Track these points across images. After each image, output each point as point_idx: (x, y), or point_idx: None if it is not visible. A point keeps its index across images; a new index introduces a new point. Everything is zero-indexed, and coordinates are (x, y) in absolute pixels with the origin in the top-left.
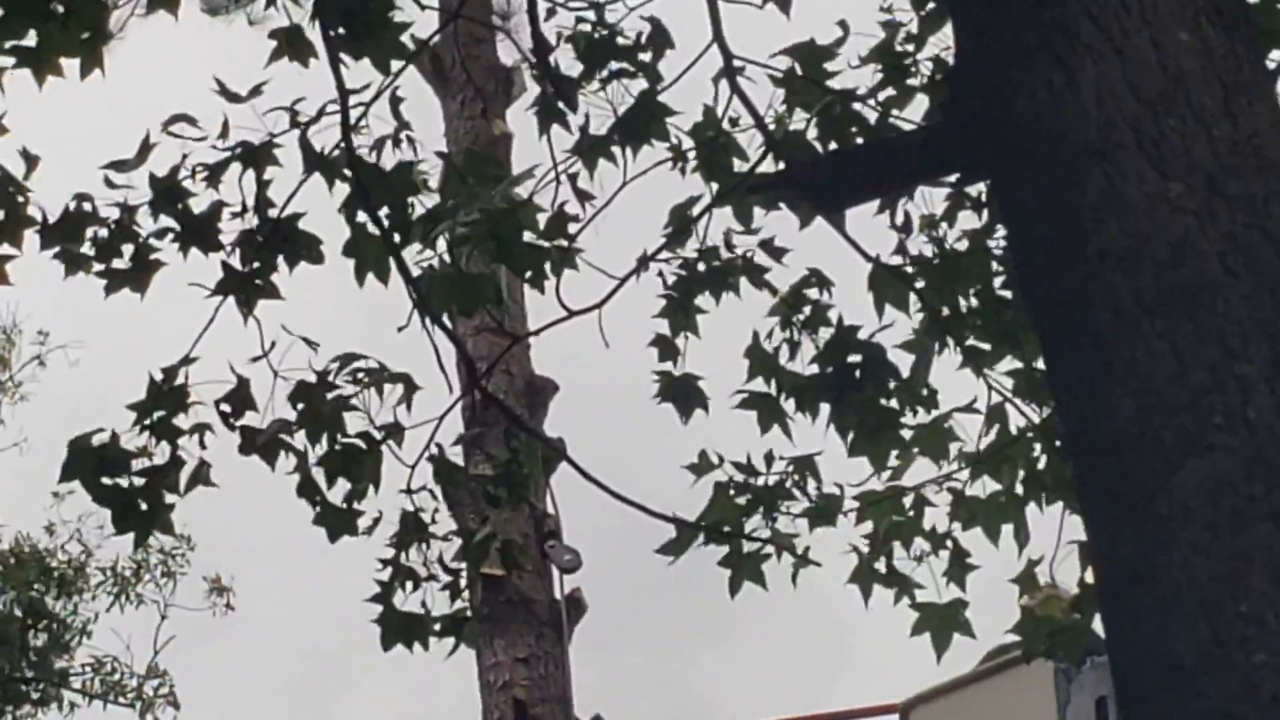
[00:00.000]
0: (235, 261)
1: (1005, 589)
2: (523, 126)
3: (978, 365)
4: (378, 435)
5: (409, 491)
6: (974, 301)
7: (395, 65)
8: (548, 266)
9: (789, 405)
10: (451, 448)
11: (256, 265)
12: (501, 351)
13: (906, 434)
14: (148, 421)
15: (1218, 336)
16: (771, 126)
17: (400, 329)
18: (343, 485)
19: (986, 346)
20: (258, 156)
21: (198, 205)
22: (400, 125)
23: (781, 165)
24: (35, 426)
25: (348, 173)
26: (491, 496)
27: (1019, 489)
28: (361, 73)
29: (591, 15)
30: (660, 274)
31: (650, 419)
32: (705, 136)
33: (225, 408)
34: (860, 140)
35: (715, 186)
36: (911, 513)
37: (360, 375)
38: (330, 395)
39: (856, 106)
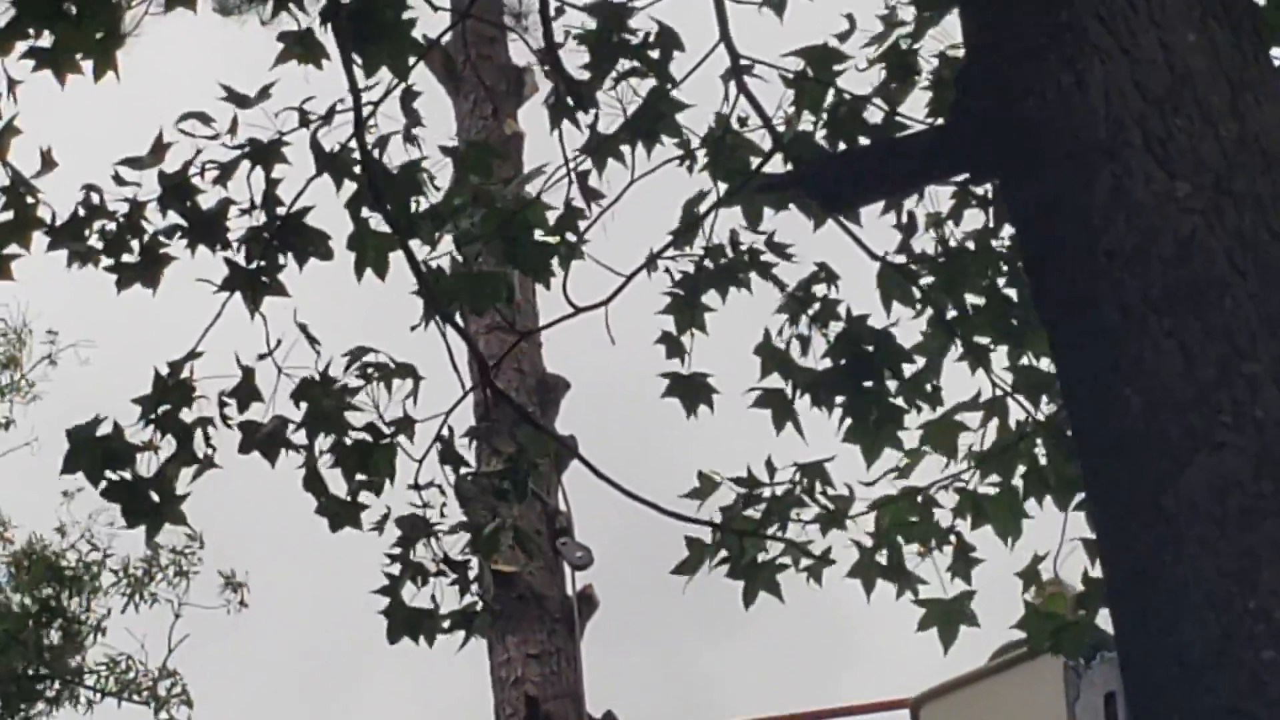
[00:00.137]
0: (242, 259)
1: (1014, 584)
2: (534, 126)
3: (980, 361)
4: (385, 430)
5: (417, 487)
6: (979, 299)
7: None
8: (555, 263)
9: (803, 402)
10: (460, 439)
11: (263, 262)
12: (509, 347)
13: (913, 432)
14: (153, 415)
15: (1225, 334)
16: (781, 127)
17: (413, 328)
18: (344, 482)
19: (989, 343)
20: (267, 155)
21: (206, 202)
22: (411, 121)
23: (789, 164)
24: (46, 426)
25: (357, 170)
26: (498, 490)
27: (1018, 485)
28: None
29: (601, 15)
30: (667, 271)
31: (662, 416)
32: (714, 135)
33: (228, 403)
34: (867, 140)
35: (723, 185)
36: (919, 515)
37: (369, 370)
38: (334, 389)
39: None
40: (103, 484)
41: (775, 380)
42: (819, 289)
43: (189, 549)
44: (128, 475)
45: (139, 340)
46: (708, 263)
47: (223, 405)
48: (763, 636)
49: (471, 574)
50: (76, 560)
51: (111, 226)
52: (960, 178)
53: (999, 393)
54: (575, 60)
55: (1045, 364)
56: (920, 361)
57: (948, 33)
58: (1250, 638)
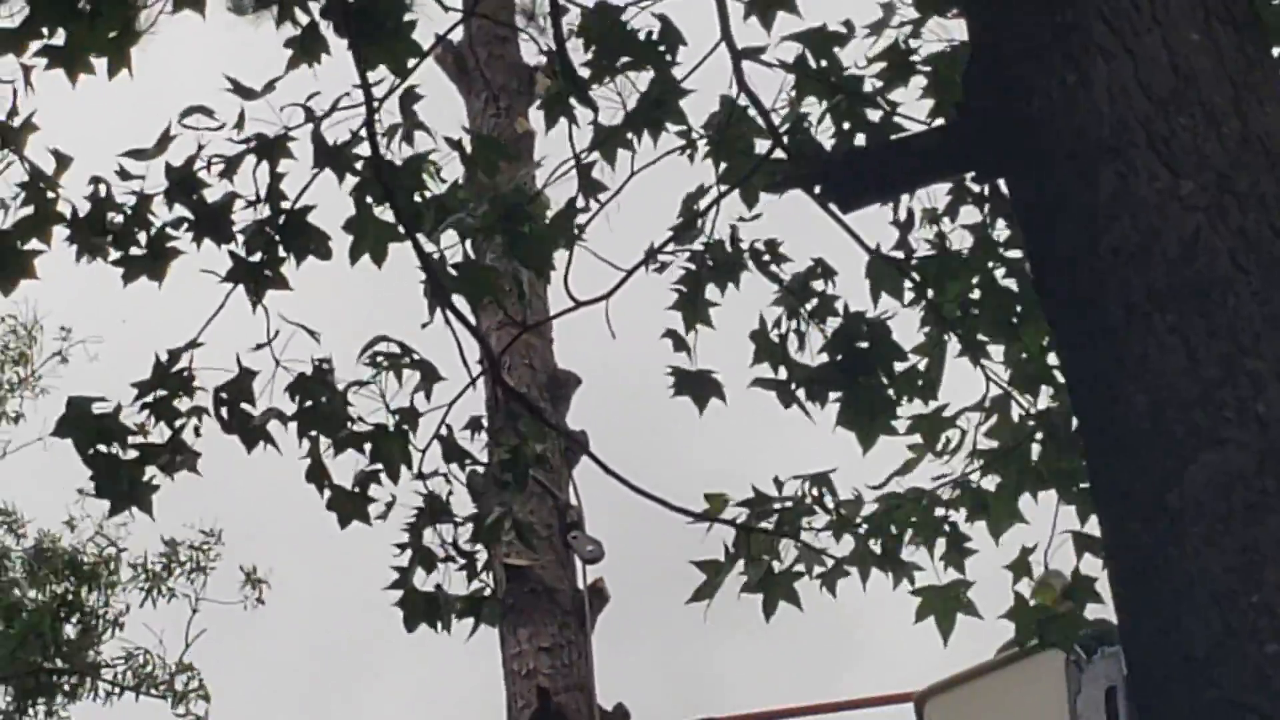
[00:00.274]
0: (244, 252)
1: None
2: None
3: (975, 355)
4: (390, 422)
5: (422, 476)
6: (974, 293)
7: (410, 66)
8: (556, 256)
9: (799, 394)
10: (461, 431)
11: (266, 256)
12: (510, 340)
13: (903, 423)
14: (148, 400)
15: (1228, 332)
16: (784, 110)
17: (424, 325)
18: (350, 471)
19: (986, 338)
20: (272, 149)
21: (212, 196)
22: (411, 123)
23: (790, 159)
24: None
25: (358, 165)
26: (500, 481)
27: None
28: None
29: (604, 13)
30: (664, 267)
31: (671, 410)
32: (715, 123)
33: (222, 396)
34: (868, 137)
35: (730, 186)
36: (924, 515)
37: (380, 359)
38: (334, 386)
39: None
40: (90, 454)
41: (769, 370)
42: (816, 284)
43: (207, 545)
44: (115, 452)
45: (148, 338)
46: (708, 259)
47: (218, 401)
48: (770, 631)
49: (479, 561)
50: (96, 555)
51: (119, 219)
52: (965, 176)
53: (995, 389)
54: (575, 59)
55: (1042, 358)
56: (916, 359)
57: (947, 29)
58: (1254, 632)
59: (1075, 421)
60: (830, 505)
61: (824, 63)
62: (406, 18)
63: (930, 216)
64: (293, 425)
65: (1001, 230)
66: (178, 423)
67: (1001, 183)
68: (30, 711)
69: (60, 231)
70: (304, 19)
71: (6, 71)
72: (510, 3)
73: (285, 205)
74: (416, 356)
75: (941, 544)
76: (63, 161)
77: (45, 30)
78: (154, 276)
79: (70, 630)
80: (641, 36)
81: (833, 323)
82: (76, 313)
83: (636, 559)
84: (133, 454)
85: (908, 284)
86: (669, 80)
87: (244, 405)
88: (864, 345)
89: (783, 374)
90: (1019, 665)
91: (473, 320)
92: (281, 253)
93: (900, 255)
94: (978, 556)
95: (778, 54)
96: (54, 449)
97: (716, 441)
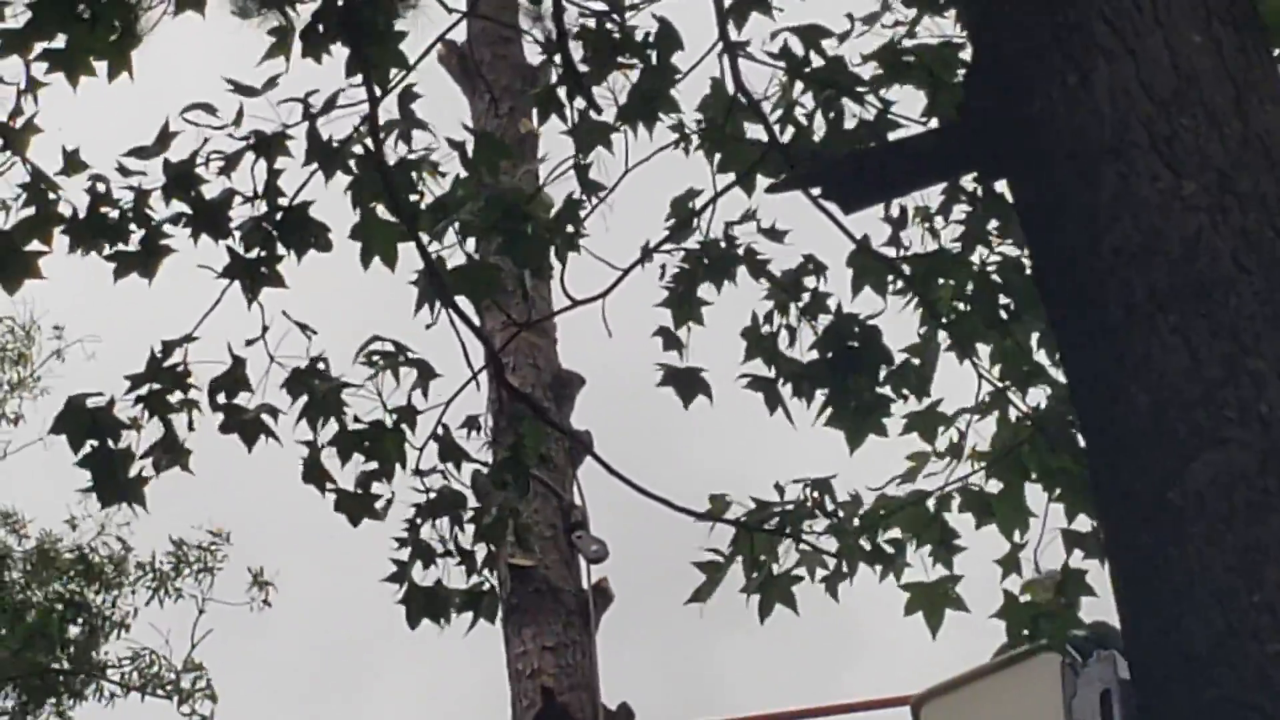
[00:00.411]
0: (242, 248)
1: (1013, 581)
2: (550, 124)
3: (966, 352)
4: (388, 419)
5: (419, 473)
6: (965, 288)
7: (407, 68)
8: (553, 255)
9: (786, 390)
10: (458, 430)
11: (263, 253)
12: (508, 338)
13: (899, 423)
14: (141, 393)
15: (1230, 331)
16: (775, 97)
17: (429, 326)
18: (352, 471)
19: (976, 337)
20: (270, 146)
21: (210, 192)
22: (409, 122)
23: (785, 157)
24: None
25: (352, 163)
26: (497, 480)
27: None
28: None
29: (603, 12)
30: (663, 266)
31: (676, 410)
32: (709, 115)
33: (215, 390)
34: (864, 135)
35: (724, 174)
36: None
37: (375, 358)
38: (330, 381)
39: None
40: (83, 451)
41: (761, 366)
42: (808, 280)
43: (214, 545)
44: (108, 446)
45: (146, 336)
46: (704, 259)
47: (213, 393)
48: (773, 630)
49: (478, 557)
50: (105, 555)
51: (115, 214)
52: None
53: (987, 388)
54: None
55: (1060, 360)
56: (907, 357)
57: (940, 27)
58: (1255, 631)
59: (1076, 421)
60: (830, 509)
61: (812, 53)
62: (403, 24)
63: (923, 214)
64: (290, 420)
65: (995, 228)
66: (170, 417)
67: (998, 183)
68: (37, 712)
69: (60, 233)
70: (304, 16)
71: (9, 73)
72: (514, 4)
73: (283, 202)
74: (412, 354)
75: (933, 540)
76: (75, 165)
77: (46, 34)
78: (145, 273)
79: (76, 631)
80: (640, 37)
81: (824, 320)
82: (75, 312)
83: (640, 559)
84: (124, 448)
85: (900, 281)
86: (662, 72)
87: (239, 399)
88: (854, 345)
89: (773, 372)
90: (1015, 669)
91: (477, 321)
92: (280, 249)
93: (891, 252)
94: (976, 556)
95: (770, 48)
96: (54, 449)
97: (719, 441)
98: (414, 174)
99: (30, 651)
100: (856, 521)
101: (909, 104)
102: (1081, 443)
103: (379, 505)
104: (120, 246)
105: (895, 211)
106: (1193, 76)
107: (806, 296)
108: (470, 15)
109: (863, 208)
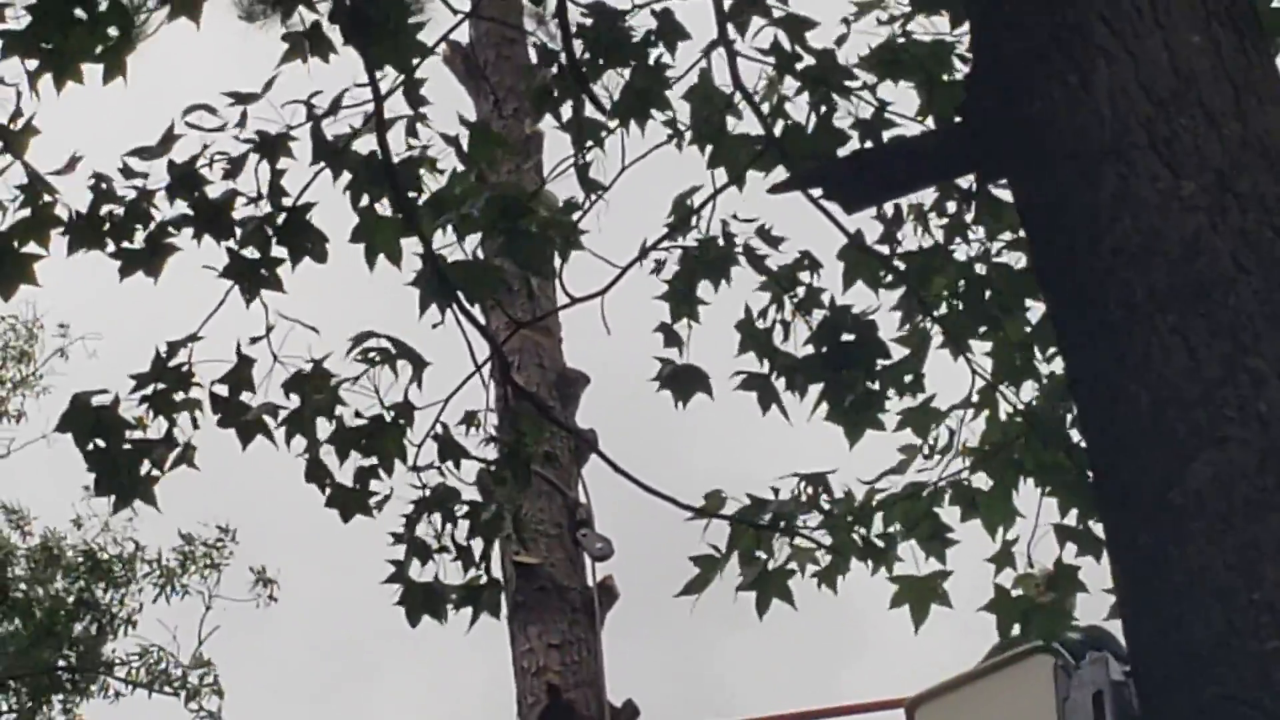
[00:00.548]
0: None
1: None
2: (550, 124)
3: (959, 348)
4: (387, 415)
5: (416, 469)
6: (959, 288)
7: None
8: (556, 255)
9: (779, 384)
10: (458, 426)
11: (263, 255)
12: (507, 335)
13: (893, 418)
14: (146, 392)
15: (1229, 331)
16: (763, 89)
17: (435, 326)
18: (351, 467)
19: (969, 333)
20: (274, 148)
21: (213, 193)
22: (416, 116)
23: (783, 155)
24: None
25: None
26: (497, 476)
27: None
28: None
29: (604, 11)
30: (661, 264)
31: (680, 408)
32: (696, 105)
33: (221, 389)
34: (860, 134)
35: (716, 168)
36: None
37: (371, 354)
38: (330, 381)
39: (852, 100)
40: (89, 450)
41: (755, 361)
42: (803, 275)
43: (221, 542)
44: (114, 447)
45: (148, 334)
46: (698, 255)
47: (214, 393)
48: (777, 628)
49: (476, 553)
50: (112, 552)
51: (119, 212)
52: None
53: (980, 383)
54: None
55: (1024, 352)
56: (902, 351)
57: (935, 26)
58: (1255, 628)
59: (1077, 420)
60: (826, 505)
61: (799, 48)
62: (413, 20)
63: (916, 212)
64: (284, 418)
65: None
66: (175, 416)
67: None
68: (45, 710)
69: (58, 236)
70: (310, 18)
71: (10, 75)
72: (518, 5)
73: (286, 203)
74: (406, 346)
75: (924, 533)
76: (71, 162)
77: (45, 38)
78: (150, 272)
79: (80, 628)
80: (638, 36)
81: (818, 315)
82: (77, 311)
83: (645, 556)
84: (130, 447)
85: (890, 277)
86: (657, 71)
87: (242, 397)
88: (849, 339)
89: (767, 366)
90: (1008, 671)
91: (481, 319)
92: (277, 252)
93: (885, 249)
94: (968, 554)
95: (758, 44)
96: (58, 447)
97: (723, 438)
98: (420, 170)
99: (39, 649)
100: (850, 516)
101: (903, 101)
102: (1075, 438)
103: (373, 501)
104: (125, 245)
105: (889, 209)
106: (1192, 77)
107: (801, 291)
108: (474, 16)
109: (864, 208)
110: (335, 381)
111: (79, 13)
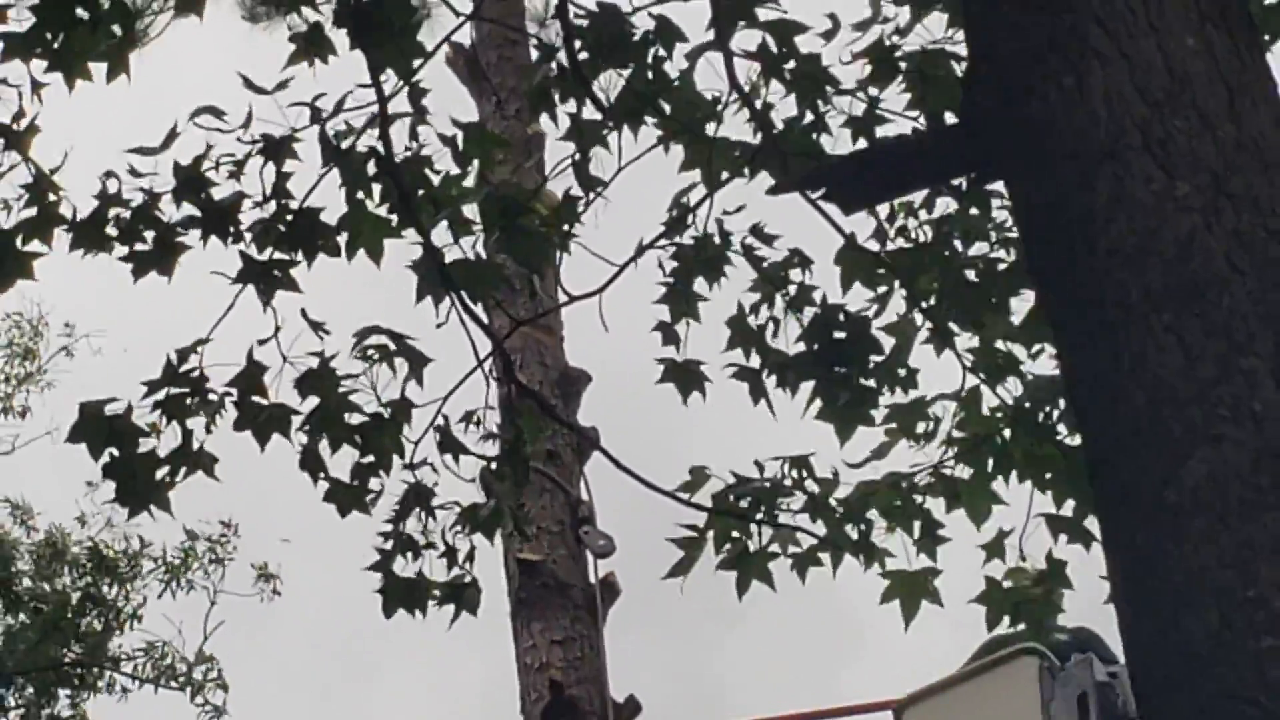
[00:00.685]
0: (254, 252)
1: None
2: (549, 124)
3: (945, 343)
4: (385, 412)
5: (411, 466)
6: (947, 284)
7: (416, 65)
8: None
9: (770, 381)
10: (458, 424)
11: (275, 256)
12: (507, 332)
13: (881, 412)
14: (159, 398)
15: (1224, 331)
16: (750, 83)
17: (439, 325)
18: (348, 463)
19: (954, 328)
20: (279, 149)
21: (218, 195)
22: (419, 117)
23: (780, 156)
24: (64, 416)
25: (365, 163)
26: (497, 473)
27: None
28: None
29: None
30: (660, 263)
31: (680, 406)
32: (694, 116)
33: (230, 392)
34: (853, 134)
35: (691, 170)
36: (900, 500)
37: (370, 351)
38: (338, 384)
39: (846, 99)
40: (103, 459)
41: (743, 356)
42: (794, 273)
43: (224, 537)
44: (129, 454)
45: (152, 332)
46: (697, 254)
47: (225, 395)
48: (778, 626)
49: (460, 551)
50: (117, 549)
51: (126, 215)
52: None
53: (969, 377)
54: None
55: (1058, 359)
56: (892, 344)
57: (929, 27)
58: (1250, 625)
59: (1074, 419)
60: (809, 487)
61: (786, 50)
62: (415, 20)
63: (907, 210)
64: (299, 419)
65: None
66: (189, 421)
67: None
68: (51, 705)
69: (62, 233)
70: (313, 18)
71: (13, 76)
72: (520, 7)
73: (292, 205)
74: (408, 340)
75: (916, 530)
76: (64, 160)
77: (50, 36)
78: (163, 272)
79: (85, 623)
80: (638, 37)
81: (810, 312)
82: (79, 309)
83: (647, 553)
84: (146, 454)
85: (883, 270)
86: (656, 71)
87: (255, 398)
88: (840, 336)
89: (757, 362)
90: (994, 673)
91: (484, 318)
92: (291, 254)
93: (876, 246)
94: (962, 551)
95: (746, 46)
96: (62, 444)
97: (722, 435)
98: (424, 171)
99: (45, 644)
100: (833, 500)
101: (892, 100)
102: (1063, 432)
103: (369, 498)
104: (136, 246)
105: (883, 208)
106: (1186, 79)
107: (793, 289)
108: (476, 18)
109: (862, 208)
110: (341, 378)
111: (81, 12)
